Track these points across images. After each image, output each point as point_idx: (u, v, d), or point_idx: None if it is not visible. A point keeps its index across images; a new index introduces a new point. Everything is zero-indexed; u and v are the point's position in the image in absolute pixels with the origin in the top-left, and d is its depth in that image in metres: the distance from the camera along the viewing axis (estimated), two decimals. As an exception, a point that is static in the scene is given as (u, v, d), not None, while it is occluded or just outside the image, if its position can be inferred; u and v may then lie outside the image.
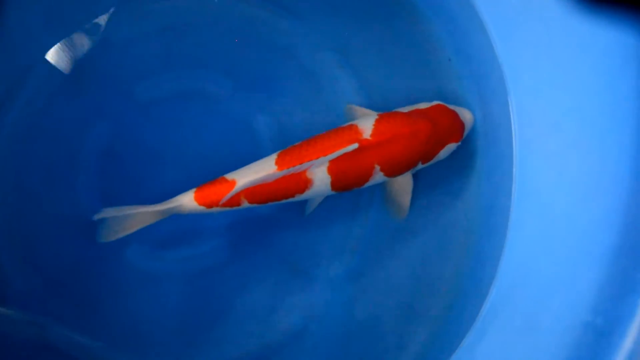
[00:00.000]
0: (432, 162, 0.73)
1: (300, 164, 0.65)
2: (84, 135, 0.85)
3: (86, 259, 0.82)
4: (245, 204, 0.70)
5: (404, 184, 0.74)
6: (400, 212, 0.77)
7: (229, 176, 0.70)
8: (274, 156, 0.70)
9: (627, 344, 0.38)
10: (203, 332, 0.81)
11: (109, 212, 0.68)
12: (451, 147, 0.73)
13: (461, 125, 0.73)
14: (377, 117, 0.70)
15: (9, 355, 0.76)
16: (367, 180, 0.70)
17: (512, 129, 0.71)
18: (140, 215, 0.70)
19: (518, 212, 0.66)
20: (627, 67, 0.49)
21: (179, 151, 0.85)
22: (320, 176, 0.68)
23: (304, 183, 0.68)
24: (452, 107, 0.74)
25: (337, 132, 0.70)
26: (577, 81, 0.60)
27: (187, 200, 0.69)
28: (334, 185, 0.69)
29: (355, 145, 0.65)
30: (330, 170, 0.67)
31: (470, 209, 0.78)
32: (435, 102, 0.74)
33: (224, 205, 0.69)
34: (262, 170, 0.68)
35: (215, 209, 0.70)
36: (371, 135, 0.67)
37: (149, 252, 0.82)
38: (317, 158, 0.65)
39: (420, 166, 0.73)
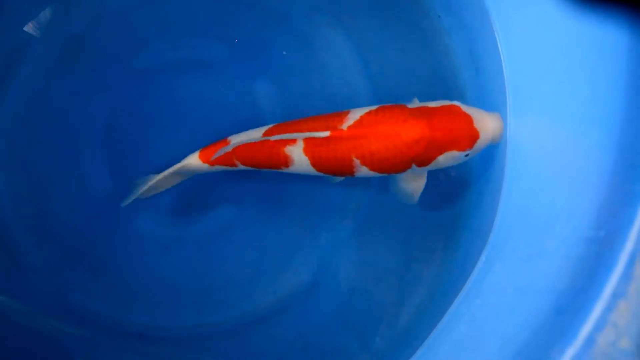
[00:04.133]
0: (431, 167, 0.66)
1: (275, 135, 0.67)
2: (85, 110, 0.86)
3: (99, 229, 0.84)
4: (239, 165, 0.72)
5: (415, 180, 0.71)
6: (408, 199, 0.73)
7: (230, 138, 0.73)
8: (269, 125, 0.72)
9: (628, 246, 0.41)
10: (216, 292, 0.83)
11: (135, 195, 0.74)
12: (453, 155, 0.64)
13: (473, 133, 0.63)
14: (375, 108, 0.66)
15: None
16: (352, 172, 0.67)
17: (504, 77, 0.72)
18: (159, 183, 0.74)
19: (514, 147, 0.68)
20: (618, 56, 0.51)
21: (180, 119, 0.87)
22: (298, 155, 0.67)
23: (284, 158, 0.68)
24: (471, 109, 0.65)
25: (327, 116, 0.68)
26: (568, 26, 0.62)
27: (193, 159, 0.74)
28: (315, 166, 0.68)
29: (326, 133, 0.64)
30: (306, 151, 0.67)
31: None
32: (452, 102, 0.65)
33: (221, 162, 0.73)
34: (252, 135, 0.71)
35: (217, 167, 0.73)
36: (349, 127, 0.64)
37: (159, 219, 0.84)
38: (287, 134, 0.66)
39: (417, 169, 0.67)
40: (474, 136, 0.63)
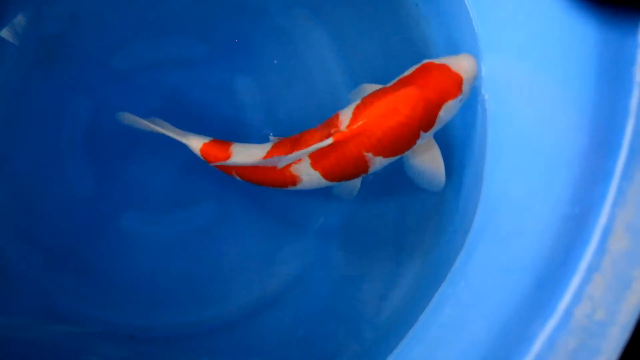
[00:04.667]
0: (436, 127, 0.66)
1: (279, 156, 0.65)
2: (65, 111, 0.86)
3: (83, 231, 0.84)
4: (237, 177, 0.72)
5: (428, 151, 0.69)
6: (436, 181, 0.71)
7: (232, 147, 0.72)
8: (269, 145, 0.71)
9: (602, 221, 0.42)
10: (204, 289, 0.83)
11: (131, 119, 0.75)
12: (451, 104, 0.65)
13: (456, 77, 0.64)
14: (359, 102, 0.66)
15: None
16: (367, 168, 0.66)
17: (480, 61, 0.71)
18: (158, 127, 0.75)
19: (494, 134, 0.69)
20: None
21: (162, 118, 0.87)
22: (306, 172, 0.67)
23: (291, 178, 0.68)
24: (443, 60, 0.66)
25: (323, 125, 0.67)
26: (544, 14, 0.63)
27: (195, 146, 0.73)
28: (327, 178, 0.67)
29: (329, 141, 0.63)
30: (315, 166, 0.66)
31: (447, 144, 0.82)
32: (422, 62, 0.67)
33: (218, 168, 0.72)
34: (254, 155, 0.69)
35: (216, 168, 0.73)
36: (348, 127, 0.63)
37: (144, 218, 0.84)
38: (290, 154, 0.64)
39: (425, 134, 0.66)
40: (459, 80, 0.65)
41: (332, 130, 0.64)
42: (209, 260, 0.84)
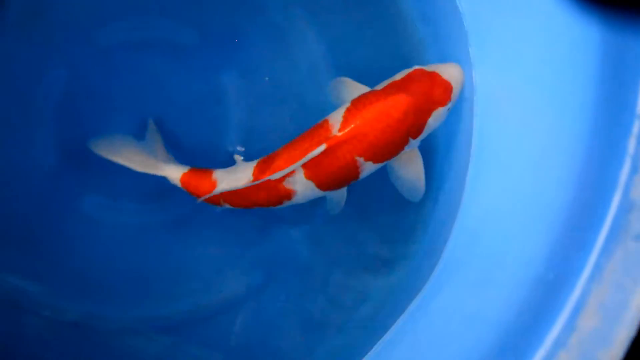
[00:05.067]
0: (424, 133, 0.67)
1: (271, 174, 0.64)
2: (40, 81, 0.82)
3: (40, 208, 0.80)
4: (225, 205, 0.70)
5: (411, 161, 0.69)
6: (415, 192, 0.71)
7: (215, 175, 0.70)
8: (253, 163, 0.69)
9: (575, 295, 0.41)
10: (158, 285, 0.81)
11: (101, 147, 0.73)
12: (440, 112, 0.66)
13: (445, 85, 0.66)
14: (348, 105, 0.66)
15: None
16: (357, 173, 0.66)
17: (474, 92, 0.71)
18: (129, 157, 0.73)
19: (475, 173, 0.68)
20: (590, 39, 0.51)
21: (139, 102, 0.83)
22: (301, 183, 0.65)
23: (285, 193, 0.66)
24: (432, 67, 0.68)
25: (311, 132, 0.66)
26: (539, 51, 0.61)
27: (174, 178, 0.72)
28: (321, 187, 0.66)
29: (323, 147, 0.62)
30: (308, 175, 0.65)
31: (428, 169, 0.81)
32: (412, 68, 0.68)
33: (206, 200, 0.70)
34: (240, 178, 0.67)
35: (200, 199, 0.70)
36: (340, 130, 0.63)
37: (107, 204, 0.81)
38: (286, 168, 0.63)
39: (413, 141, 0.67)
40: (449, 87, 0.66)
41: (327, 136, 0.64)
42: (169, 256, 0.81)
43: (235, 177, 0.68)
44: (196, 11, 0.84)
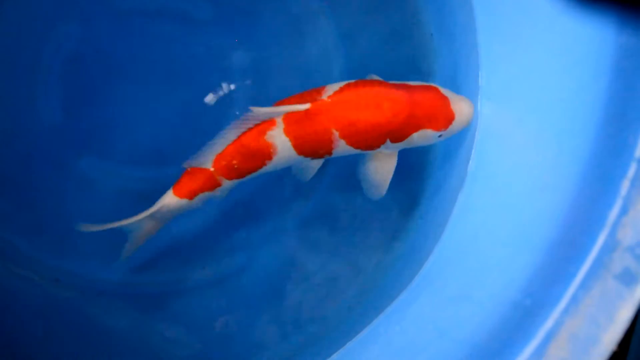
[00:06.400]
0: (404, 144, 0.66)
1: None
2: (49, 36, 0.81)
3: (38, 164, 0.80)
4: (224, 182, 0.67)
5: (384, 162, 0.69)
6: (375, 192, 0.71)
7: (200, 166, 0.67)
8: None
9: (548, 324, 0.42)
10: (146, 255, 0.81)
11: (92, 227, 0.66)
12: (428, 133, 0.65)
13: (448, 114, 0.65)
14: (351, 82, 0.65)
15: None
16: (330, 147, 0.65)
17: (478, 113, 0.71)
18: (133, 227, 0.68)
19: (469, 190, 0.68)
20: (601, 74, 0.51)
21: (147, 69, 0.84)
22: (279, 138, 0.63)
23: (266, 148, 0.64)
24: (448, 92, 0.66)
25: (304, 93, 0.65)
26: (549, 79, 0.61)
27: (168, 198, 0.67)
28: (296, 148, 0.64)
29: (307, 106, 0.61)
30: (287, 131, 0.63)
31: (422, 182, 0.82)
32: (430, 83, 0.67)
33: (202, 189, 0.67)
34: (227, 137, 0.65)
35: (199, 197, 0.68)
36: (330, 97, 0.62)
37: (105, 167, 0.81)
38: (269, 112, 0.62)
39: (390, 145, 0.66)
40: (451, 117, 0.65)
41: (315, 98, 0.63)
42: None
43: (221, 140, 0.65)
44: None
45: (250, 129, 0.63)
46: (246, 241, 0.82)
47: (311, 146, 0.65)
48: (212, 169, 0.65)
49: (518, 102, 0.68)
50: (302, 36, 0.87)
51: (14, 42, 0.81)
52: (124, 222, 0.66)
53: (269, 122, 0.63)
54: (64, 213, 0.80)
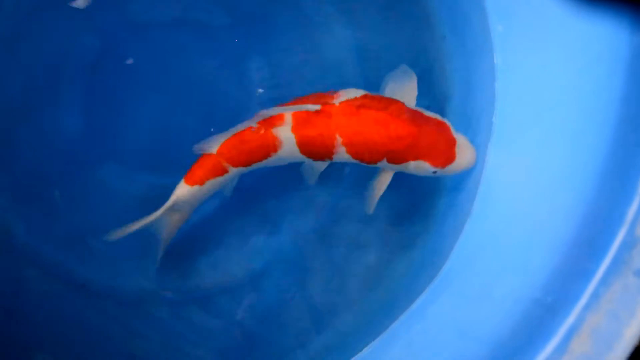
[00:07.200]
0: (399, 167, 0.68)
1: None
2: (73, 46, 0.83)
3: (58, 170, 0.82)
4: (230, 169, 0.69)
5: (380, 180, 0.70)
6: (365, 205, 0.73)
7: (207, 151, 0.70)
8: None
9: (570, 320, 0.43)
10: (162, 261, 0.82)
11: (118, 233, 0.69)
12: (424, 166, 0.66)
13: (450, 155, 0.66)
14: (368, 93, 0.67)
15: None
16: (331, 151, 0.67)
17: (493, 117, 0.72)
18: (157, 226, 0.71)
19: (485, 190, 0.69)
20: (615, 73, 0.52)
21: (166, 77, 0.85)
22: (285, 135, 0.66)
23: (272, 141, 0.66)
24: (458, 135, 0.67)
25: (318, 94, 0.68)
26: (564, 81, 0.62)
27: (180, 188, 0.69)
28: (300, 146, 0.67)
29: (317, 107, 0.63)
30: (294, 129, 0.65)
31: (439, 183, 0.82)
32: (444, 119, 0.68)
33: (210, 174, 0.69)
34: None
35: (209, 183, 0.70)
36: (341, 103, 0.64)
37: (123, 174, 0.82)
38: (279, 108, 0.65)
39: (386, 165, 0.68)
40: (451, 159, 0.66)
41: (327, 102, 0.65)
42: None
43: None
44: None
45: (259, 122, 0.66)
46: (265, 244, 0.83)
47: (314, 147, 0.67)
48: (219, 157, 0.68)
49: (534, 102, 0.68)
50: (317, 42, 0.88)
51: (39, 55, 0.83)
52: (145, 221, 0.69)
53: (278, 117, 0.66)
54: (89, 220, 0.81)
